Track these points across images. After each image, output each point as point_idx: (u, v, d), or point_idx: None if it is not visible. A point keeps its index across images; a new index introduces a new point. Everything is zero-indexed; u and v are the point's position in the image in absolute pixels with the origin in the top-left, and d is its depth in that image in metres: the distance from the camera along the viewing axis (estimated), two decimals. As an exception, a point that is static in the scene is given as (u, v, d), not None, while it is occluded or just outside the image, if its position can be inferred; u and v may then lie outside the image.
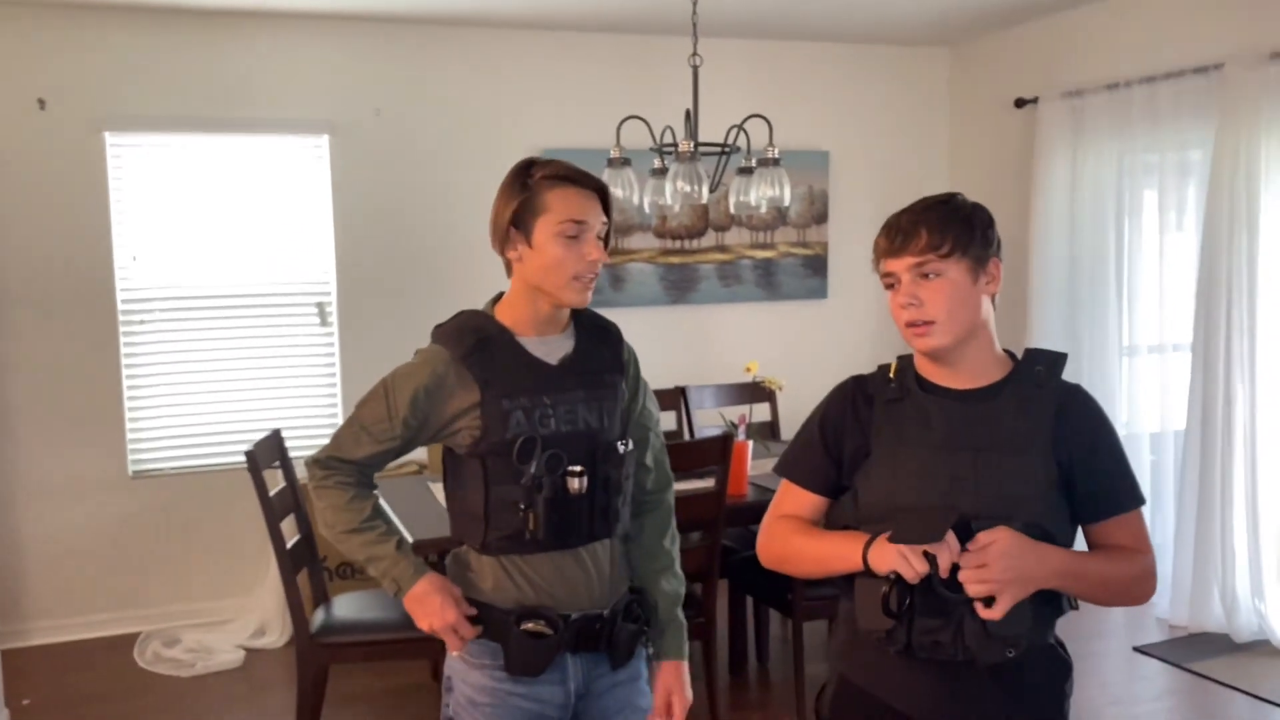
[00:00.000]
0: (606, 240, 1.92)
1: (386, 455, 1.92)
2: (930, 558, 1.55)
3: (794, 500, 1.82)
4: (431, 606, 1.85)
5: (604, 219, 1.90)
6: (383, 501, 1.99)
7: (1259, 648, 4.22)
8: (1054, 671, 1.74)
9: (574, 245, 1.84)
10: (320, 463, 1.93)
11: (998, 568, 1.54)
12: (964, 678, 1.66)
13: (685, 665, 2.05)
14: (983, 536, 1.56)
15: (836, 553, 1.68)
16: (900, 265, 1.67)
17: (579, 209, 1.85)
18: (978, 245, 1.67)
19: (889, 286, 1.71)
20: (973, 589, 1.55)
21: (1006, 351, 1.77)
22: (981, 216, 1.70)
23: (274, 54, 4.71)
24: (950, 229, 1.65)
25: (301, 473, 3.99)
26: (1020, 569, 1.56)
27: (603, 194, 1.91)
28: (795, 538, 1.77)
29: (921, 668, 1.67)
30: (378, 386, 1.91)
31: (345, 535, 1.90)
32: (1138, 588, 1.69)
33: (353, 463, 1.92)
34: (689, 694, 2.03)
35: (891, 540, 1.58)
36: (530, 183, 1.86)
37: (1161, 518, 4.73)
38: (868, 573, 1.63)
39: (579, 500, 1.86)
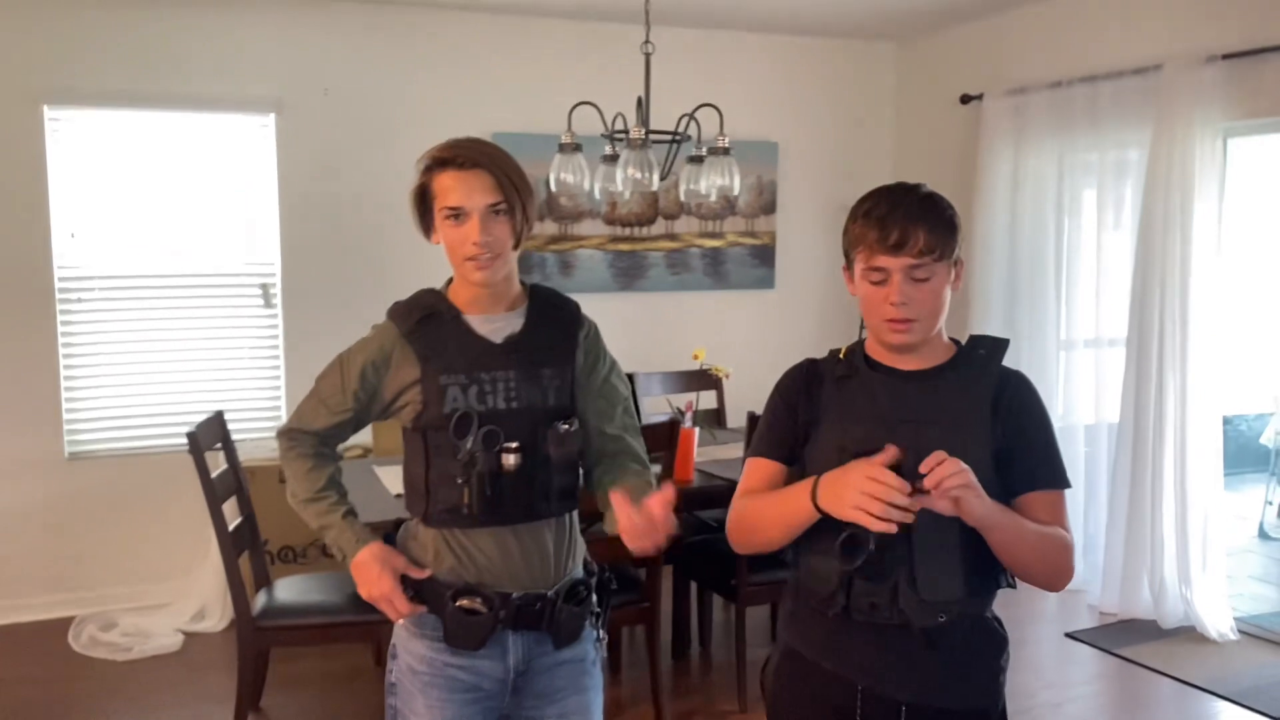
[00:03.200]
0: (516, 215, 1.87)
1: (344, 427, 1.99)
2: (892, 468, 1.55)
3: (759, 475, 1.83)
4: (370, 575, 1.89)
5: (493, 198, 1.85)
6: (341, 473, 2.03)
7: (1185, 634, 4.36)
8: (989, 643, 1.79)
9: (459, 228, 1.87)
10: (286, 434, 2.02)
11: (956, 467, 1.55)
12: (901, 643, 1.70)
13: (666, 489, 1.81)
14: (933, 458, 1.56)
15: (789, 502, 1.69)
16: (895, 264, 1.68)
17: (454, 195, 1.85)
18: (957, 247, 1.72)
19: (874, 281, 1.71)
20: (945, 477, 1.53)
21: (951, 339, 1.82)
22: (958, 218, 1.74)
23: (221, 30, 4.64)
24: (942, 233, 1.68)
25: (244, 454, 3.96)
26: (973, 476, 1.57)
27: (495, 170, 1.86)
28: (754, 503, 1.79)
29: (860, 633, 1.72)
30: (335, 360, 1.99)
31: (303, 504, 1.98)
32: (1060, 562, 1.72)
33: (313, 432, 1.99)
34: (664, 507, 1.77)
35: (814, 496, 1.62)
36: (423, 168, 1.90)
37: (1094, 508, 4.85)
38: (823, 520, 1.63)
39: (515, 477, 1.88)
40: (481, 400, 1.89)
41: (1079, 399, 4.93)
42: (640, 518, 1.74)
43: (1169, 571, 4.41)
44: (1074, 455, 4.85)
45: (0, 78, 4.35)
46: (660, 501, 1.75)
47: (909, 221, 1.67)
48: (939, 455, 1.57)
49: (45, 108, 4.42)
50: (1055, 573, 1.74)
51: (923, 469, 1.56)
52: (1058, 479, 1.76)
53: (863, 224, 1.71)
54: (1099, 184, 4.81)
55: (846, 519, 1.58)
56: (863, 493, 1.55)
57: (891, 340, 1.74)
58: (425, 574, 1.90)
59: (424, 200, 1.91)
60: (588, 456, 2.04)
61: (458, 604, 1.89)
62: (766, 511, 1.77)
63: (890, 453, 1.58)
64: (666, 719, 3.58)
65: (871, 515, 1.54)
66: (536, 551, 1.94)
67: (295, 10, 4.74)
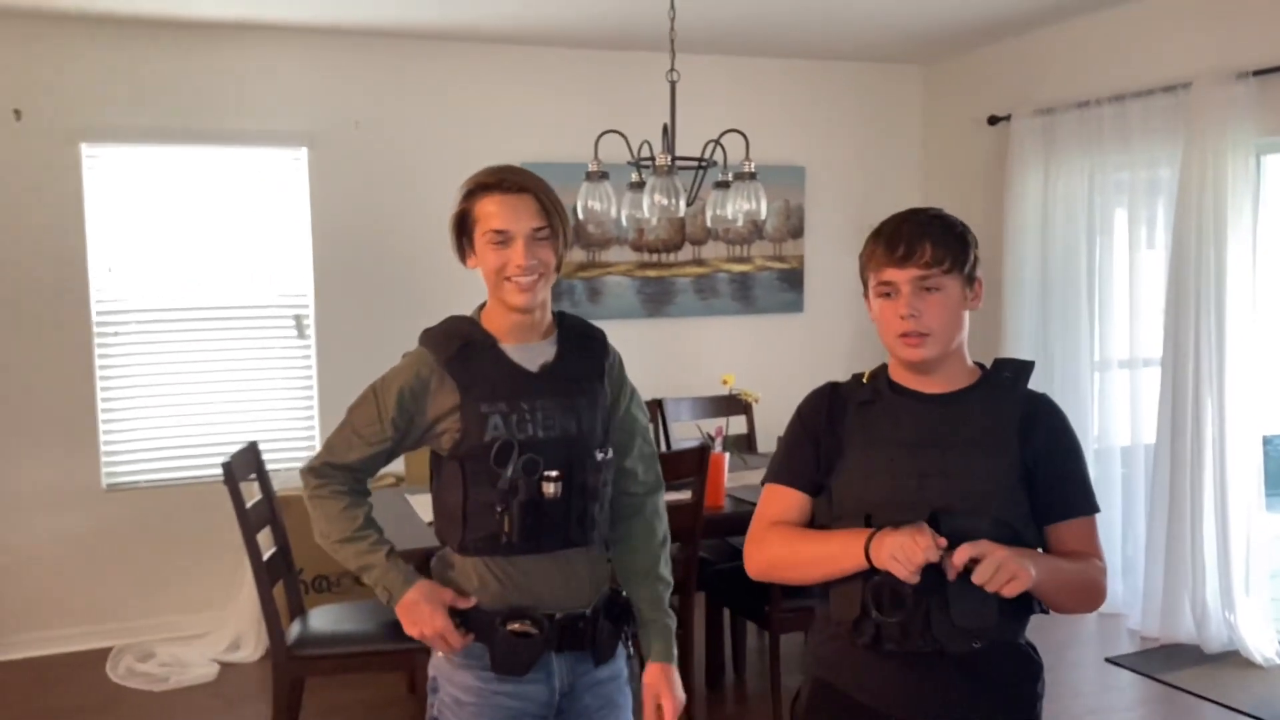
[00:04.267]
0: (558, 240, 1.91)
1: (378, 458, 1.97)
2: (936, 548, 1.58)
3: (781, 504, 1.82)
4: (421, 614, 1.88)
5: (538, 222, 1.88)
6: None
7: (1229, 658, 4.27)
8: (1024, 670, 1.77)
9: (503, 251, 1.88)
10: (314, 470, 1.97)
11: (1009, 559, 1.56)
12: (934, 672, 1.68)
13: (672, 668, 2.02)
14: (968, 548, 1.58)
15: (839, 551, 1.69)
16: (903, 276, 1.70)
17: (500, 218, 1.87)
18: (971, 263, 1.73)
19: (884, 295, 1.73)
20: (1002, 586, 1.55)
21: (976, 363, 1.82)
22: (972, 235, 1.76)
23: (252, 66, 4.72)
24: (950, 245, 1.70)
25: (279, 484, 3.99)
26: (1018, 556, 1.58)
27: (540, 195, 1.90)
28: (791, 542, 1.77)
29: (891, 661, 1.70)
30: (367, 390, 1.97)
31: (339, 545, 1.94)
32: (1095, 593, 1.74)
33: (345, 468, 1.96)
34: (679, 694, 2.01)
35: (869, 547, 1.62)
36: (465, 194, 1.92)
37: (1132, 530, 4.78)
38: (871, 570, 1.65)
39: (554, 505, 1.89)
40: (521, 429, 1.89)
41: (1114, 420, 4.87)
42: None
43: (1211, 595, 4.34)
44: (1110, 477, 4.79)
45: (39, 117, 4.44)
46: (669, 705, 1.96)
47: (915, 235, 1.69)
48: (973, 552, 1.56)
49: (83, 145, 4.51)
50: (1090, 603, 1.75)
51: (958, 561, 1.57)
52: (1089, 505, 1.75)
53: (873, 243, 1.75)
54: (1130, 203, 4.78)
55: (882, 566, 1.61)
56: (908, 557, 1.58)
57: (906, 356, 1.73)
58: (471, 602, 1.90)
59: (463, 224, 1.93)
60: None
61: (509, 628, 1.88)
62: (805, 554, 1.75)
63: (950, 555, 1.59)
64: (701, 747, 3.55)
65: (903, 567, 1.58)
66: (573, 575, 1.94)
67: (325, 46, 4.82)
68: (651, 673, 2.01)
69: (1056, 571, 1.67)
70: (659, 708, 1.99)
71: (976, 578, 1.56)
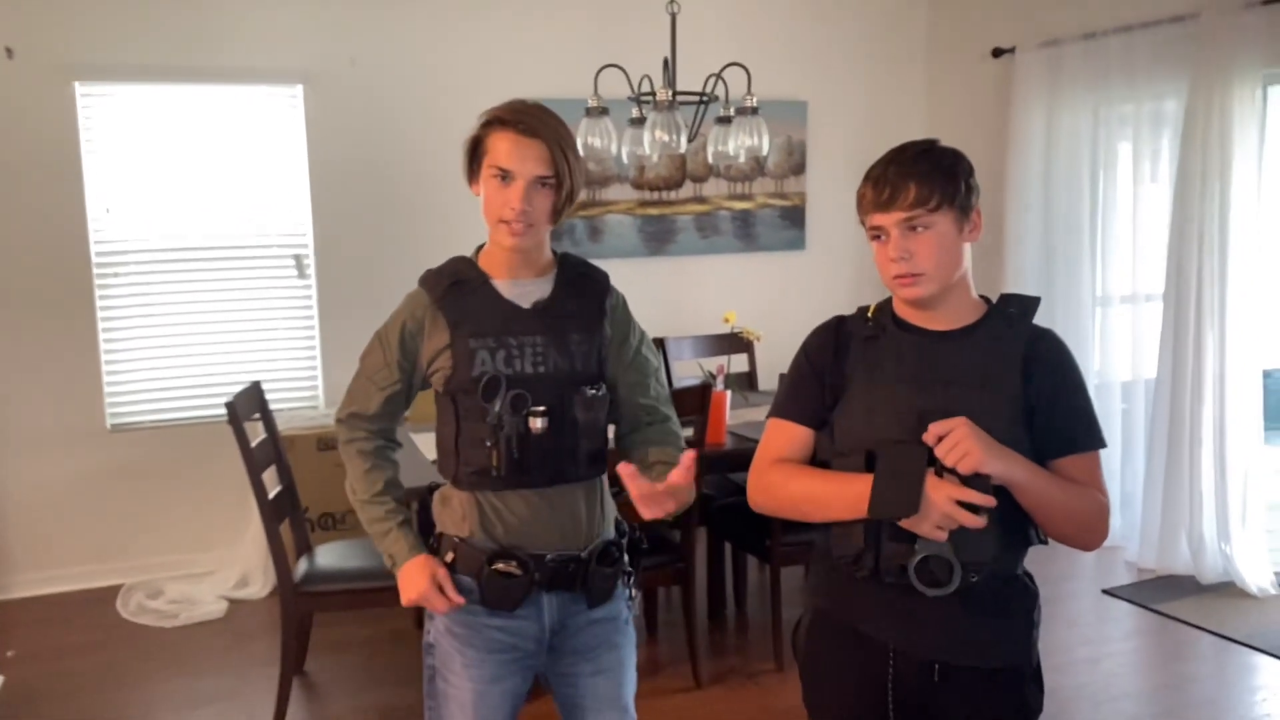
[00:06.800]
0: (562, 191, 1.88)
1: (395, 401, 2.02)
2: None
3: (785, 439, 1.83)
4: (410, 579, 1.95)
5: (543, 170, 1.85)
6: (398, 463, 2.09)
7: (1224, 589, 4.33)
8: (1021, 601, 1.79)
9: (503, 189, 1.87)
10: (344, 422, 2.05)
11: (967, 438, 1.59)
12: (932, 603, 1.70)
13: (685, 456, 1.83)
14: (937, 426, 1.61)
15: (845, 496, 1.70)
16: (889, 220, 1.69)
17: (506, 156, 1.86)
18: (962, 196, 1.70)
19: (875, 238, 1.73)
20: (957, 462, 1.58)
21: (982, 296, 1.81)
22: (964, 166, 1.72)
23: (247, 3, 4.64)
24: (937, 182, 1.67)
25: (282, 424, 4.02)
26: (986, 440, 1.60)
27: (552, 143, 1.86)
28: (796, 483, 1.78)
29: (891, 593, 1.73)
30: (374, 336, 2.02)
31: (360, 504, 2.03)
32: (1093, 522, 1.72)
33: (370, 417, 2.02)
34: (688, 476, 1.79)
35: (877, 507, 1.64)
36: (483, 122, 1.91)
37: (1131, 464, 4.81)
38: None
39: (542, 440, 1.91)
40: (509, 364, 1.91)
41: (1116, 355, 4.88)
42: (646, 487, 1.75)
43: (1208, 527, 4.38)
44: (1111, 412, 4.81)
45: (31, 55, 4.38)
46: (680, 472, 1.76)
47: (899, 177, 1.68)
48: (939, 430, 1.59)
49: (76, 84, 4.45)
50: (1088, 533, 1.73)
51: (928, 439, 1.60)
52: (1093, 440, 1.75)
53: (863, 185, 1.74)
54: (1135, 136, 4.74)
55: (921, 534, 1.63)
56: (946, 516, 1.60)
57: (903, 295, 1.74)
58: (459, 601, 1.93)
59: (475, 151, 1.92)
60: (621, 425, 2.07)
61: (494, 567, 1.92)
62: (812, 495, 1.75)
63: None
64: (703, 678, 3.61)
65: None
66: (567, 514, 1.96)
67: (320, -20, 4.73)
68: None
69: (1042, 482, 1.66)
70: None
71: (938, 451, 1.60)
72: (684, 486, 1.79)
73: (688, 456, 1.78)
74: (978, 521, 1.59)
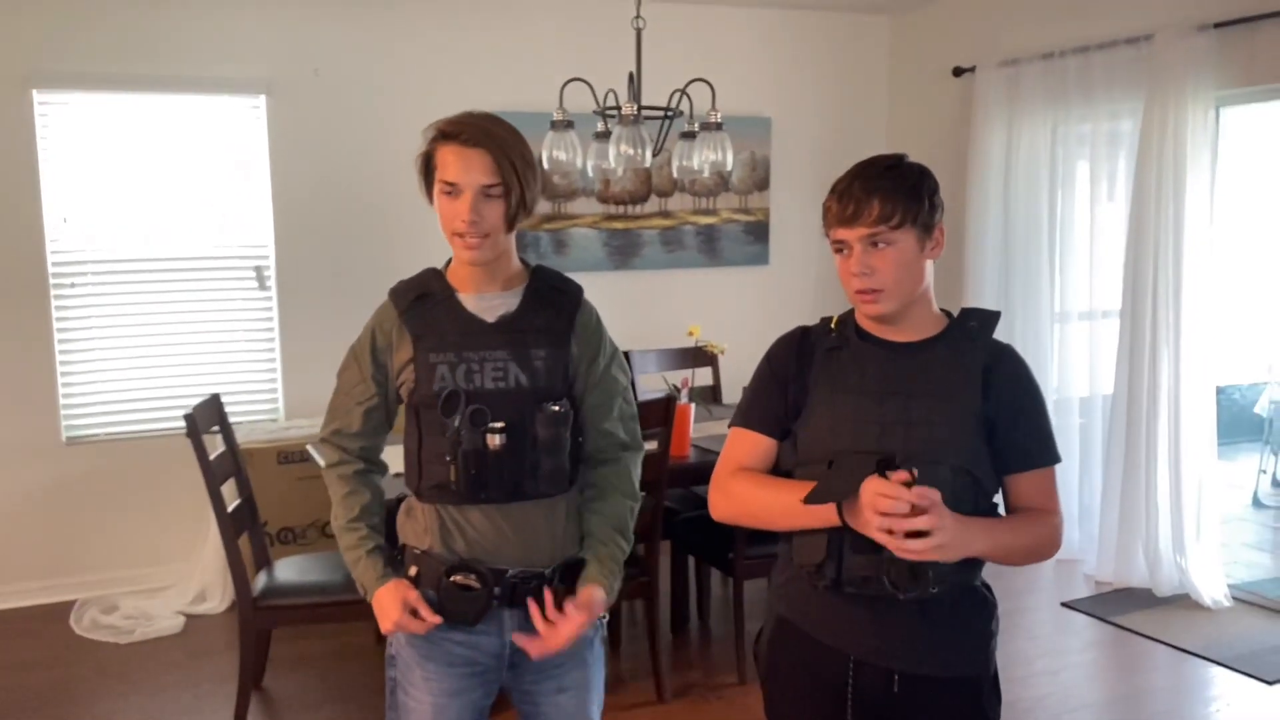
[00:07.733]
0: (512, 198, 1.84)
1: (374, 415, 2.01)
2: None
3: (747, 447, 1.84)
4: (382, 608, 1.93)
5: (488, 179, 1.83)
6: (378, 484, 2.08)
7: (1179, 601, 4.40)
8: (979, 611, 1.81)
9: (452, 202, 1.86)
10: (326, 441, 2.04)
11: (949, 541, 1.58)
12: (892, 613, 1.72)
13: (598, 593, 1.92)
14: (925, 491, 1.58)
15: (799, 506, 1.69)
16: (852, 235, 1.71)
17: (452, 170, 1.84)
18: (925, 214, 1.71)
19: (838, 251, 1.75)
20: (924, 550, 1.57)
21: (943, 310, 1.83)
22: (929, 183, 1.74)
23: (210, 11, 4.61)
24: (900, 199, 1.68)
25: (242, 436, 3.97)
26: (957, 543, 1.60)
27: (496, 151, 1.83)
28: (759, 491, 1.79)
29: (851, 603, 1.74)
30: (348, 352, 2.02)
31: (337, 530, 2.02)
32: (1046, 549, 1.80)
33: (353, 435, 2.01)
34: (575, 623, 1.88)
35: (813, 496, 1.65)
36: (430, 137, 1.90)
37: (1089, 478, 4.88)
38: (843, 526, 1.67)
39: (500, 457, 1.89)
40: (469, 379, 1.89)
41: (1073, 371, 4.95)
42: (547, 629, 1.87)
43: (1164, 540, 4.44)
44: (1069, 427, 4.87)
45: (-12, 62, 4.32)
46: (575, 615, 1.88)
47: (864, 193, 1.69)
48: (916, 498, 1.56)
49: (34, 92, 4.40)
50: (1043, 557, 1.82)
51: (899, 491, 1.57)
52: (1049, 456, 1.78)
53: (828, 198, 1.75)
54: (1092, 155, 4.82)
55: (871, 536, 1.61)
56: (880, 518, 1.57)
57: (865, 310, 1.76)
58: (435, 620, 1.90)
59: (428, 167, 1.91)
60: (585, 446, 2.02)
61: (451, 579, 1.90)
62: (772, 503, 1.76)
63: (900, 476, 1.59)
64: (666, 693, 3.61)
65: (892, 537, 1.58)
66: (529, 530, 1.94)
67: (284, -10, 4.71)
68: (580, 593, 1.93)
69: (1004, 538, 1.72)
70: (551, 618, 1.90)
71: (910, 547, 1.57)
72: (575, 626, 1.88)
73: (584, 601, 1.89)
74: (904, 525, 1.57)
